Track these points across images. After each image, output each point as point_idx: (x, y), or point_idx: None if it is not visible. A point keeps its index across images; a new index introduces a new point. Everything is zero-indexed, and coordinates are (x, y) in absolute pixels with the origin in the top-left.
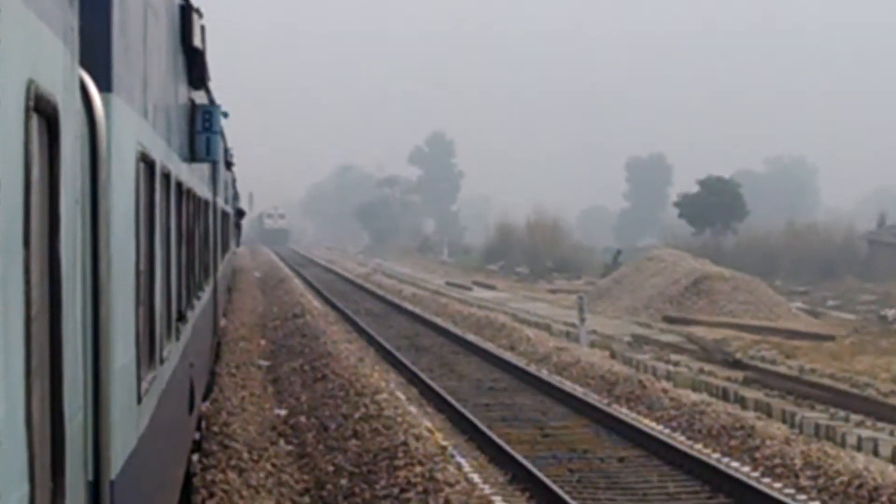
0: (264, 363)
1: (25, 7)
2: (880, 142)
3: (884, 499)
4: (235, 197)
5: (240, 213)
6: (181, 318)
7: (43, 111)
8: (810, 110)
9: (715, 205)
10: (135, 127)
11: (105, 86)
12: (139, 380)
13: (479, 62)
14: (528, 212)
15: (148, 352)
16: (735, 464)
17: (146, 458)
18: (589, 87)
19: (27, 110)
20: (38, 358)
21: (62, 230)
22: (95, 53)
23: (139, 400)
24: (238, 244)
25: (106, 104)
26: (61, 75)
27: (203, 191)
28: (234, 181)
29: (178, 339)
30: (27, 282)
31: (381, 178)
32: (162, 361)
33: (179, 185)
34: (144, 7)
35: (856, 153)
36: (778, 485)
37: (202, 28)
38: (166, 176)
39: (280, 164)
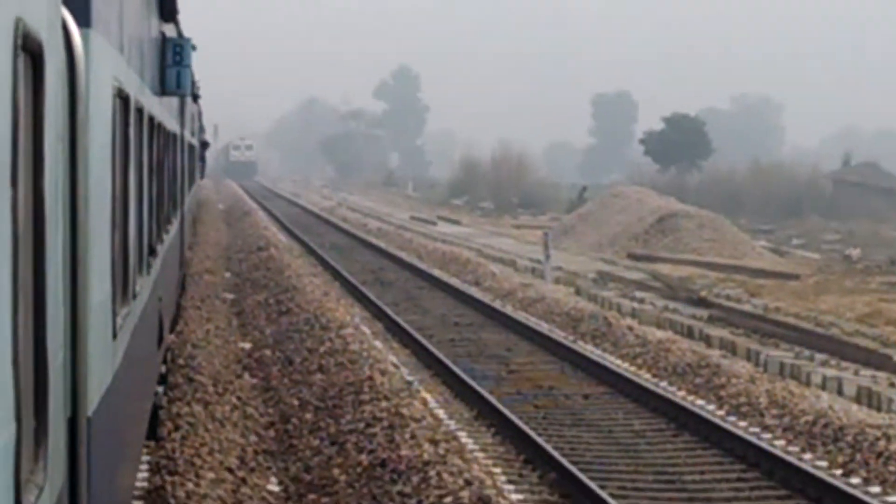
0: (229, 296)
1: None
2: (846, 82)
3: (849, 438)
4: (201, 129)
5: (204, 146)
6: (152, 252)
7: (29, 49)
8: (776, 49)
9: (680, 142)
10: (112, 62)
11: (84, 21)
12: (114, 315)
13: None
14: (493, 147)
15: (122, 287)
16: (700, 402)
17: (120, 394)
18: (556, 23)
19: (15, 49)
20: (24, 296)
21: (46, 169)
22: None
23: (114, 335)
24: (203, 176)
25: (85, 40)
26: (46, 12)
27: (172, 124)
28: (200, 113)
29: (149, 273)
30: (14, 221)
31: (347, 111)
32: (135, 296)
33: (151, 119)
34: None
35: (822, 92)
36: (743, 423)
37: None
38: (139, 111)
39: (245, 97)
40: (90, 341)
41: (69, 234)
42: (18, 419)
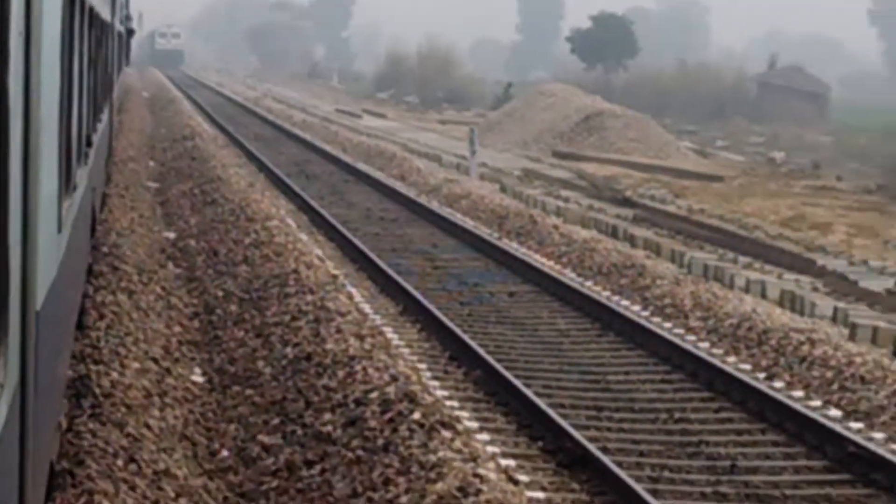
0: (153, 185)
1: None
2: None
3: (773, 342)
4: (128, 17)
5: (130, 33)
6: (89, 143)
7: None
8: None
9: (607, 41)
10: None
11: None
12: (60, 208)
13: None
14: (419, 42)
15: (66, 179)
16: (625, 302)
17: (63, 287)
18: None
19: None
20: None
21: (10, 63)
22: None
23: (59, 229)
24: (128, 64)
25: None
26: None
27: (105, 12)
28: (127, 1)
29: (86, 163)
30: None
31: (273, 1)
32: (75, 188)
33: (90, 9)
34: None
35: None
36: (668, 325)
37: None
38: (81, 2)
39: None
40: (40, 235)
41: (22, 126)
42: None
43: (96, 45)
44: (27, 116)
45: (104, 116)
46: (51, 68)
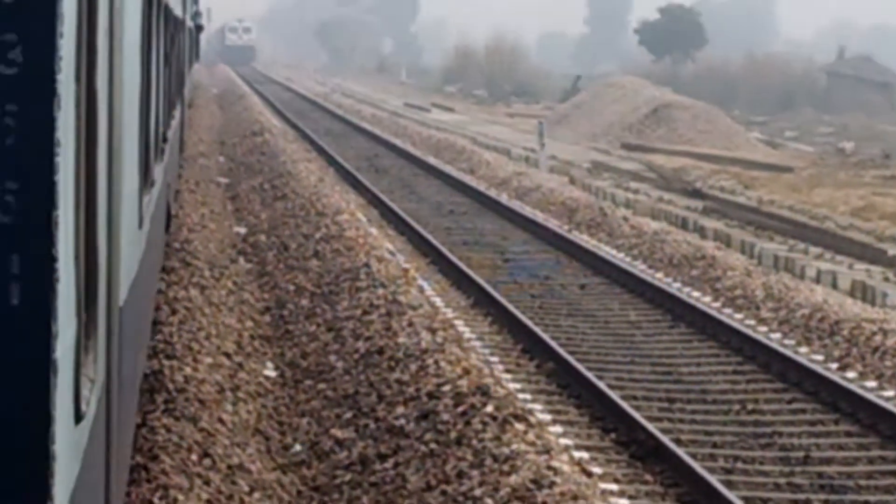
0: (224, 180)
1: None
2: None
3: (845, 332)
4: (197, 13)
5: (199, 29)
6: (165, 139)
7: None
8: None
9: (675, 32)
10: None
11: None
12: (140, 204)
13: None
14: (486, 34)
15: (145, 175)
16: (696, 294)
17: (143, 283)
18: None
19: None
20: (76, 191)
21: (98, 63)
22: None
23: (140, 224)
24: (198, 59)
25: None
26: None
27: (178, 9)
28: None
29: (162, 159)
30: (77, 117)
31: None
32: (153, 184)
33: (165, 6)
34: None
35: None
36: (739, 316)
37: None
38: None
39: None
40: (122, 231)
41: (108, 125)
42: (79, 315)
43: (170, 41)
44: (111, 114)
45: (177, 112)
46: (132, 66)
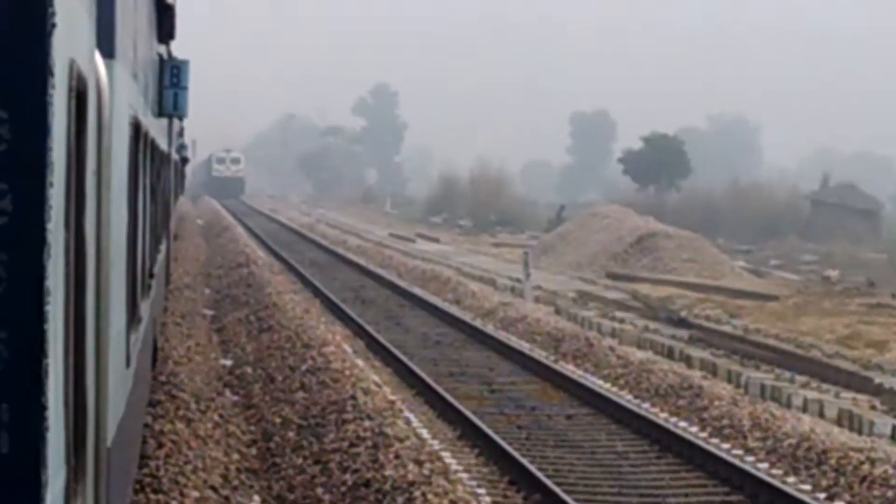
0: (209, 312)
1: None
2: (823, 103)
3: (832, 462)
4: (182, 146)
5: (184, 161)
6: (151, 274)
7: (78, 88)
8: (753, 69)
9: (659, 162)
10: (128, 91)
11: (108, 52)
12: (128, 343)
13: (423, 13)
14: (471, 164)
15: (132, 313)
16: (683, 423)
17: (131, 420)
18: (534, 42)
19: (69, 91)
20: (65, 337)
21: (87, 206)
22: (100, 19)
23: (128, 363)
24: (182, 192)
25: (109, 71)
26: (87, 49)
27: (163, 143)
28: (182, 129)
29: (148, 295)
30: (67, 264)
31: (325, 127)
32: (140, 321)
33: (152, 142)
34: None
35: (798, 113)
36: (726, 445)
37: None
38: (145, 136)
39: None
40: (110, 371)
41: (95, 265)
42: (68, 461)
43: (156, 175)
44: (99, 256)
45: (163, 246)
46: (119, 204)
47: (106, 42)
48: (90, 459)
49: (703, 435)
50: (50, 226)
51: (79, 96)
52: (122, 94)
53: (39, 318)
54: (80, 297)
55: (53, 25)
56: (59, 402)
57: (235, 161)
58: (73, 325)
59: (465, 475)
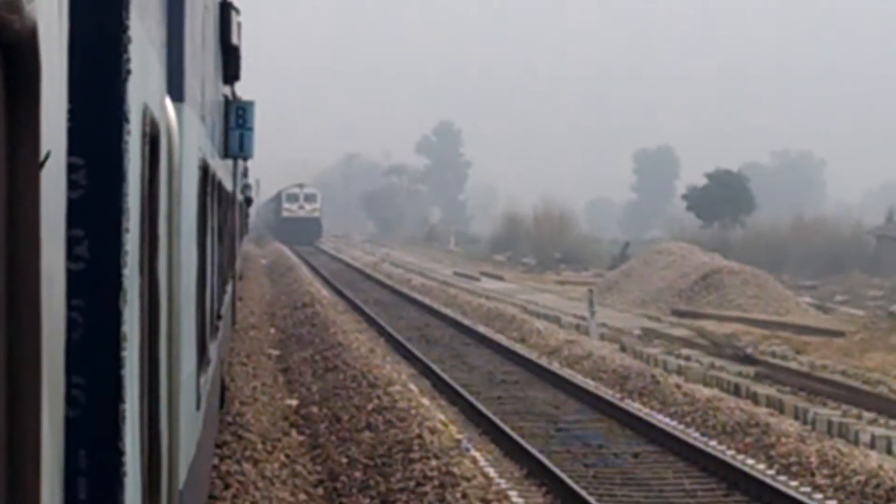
0: (275, 352)
1: (143, 35)
2: (887, 136)
3: None
4: (247, 186)
5: (248, 201)
6: (219, 315)
7: (150, 132)
8: (816, 103)
9: (723, 198)
10: (197, 134)
11: (177, 95)
12: (198, 385)
13: (487, 52)
14: (534, 202)
15: (201, 355)
16: (751, 461)
17: (200, 462)
18: (598, 78)
19: (143, 136)
20: (140, 382)
21: (159, 250)
22: (170, 63)
23: (198, 406)
24: (247, 232)
25: (178, 114)
26: (159, 93)
27: (229, 184)
28: (246, 170)
29: (216, 337)
30: (142, 308)
31: (388, 166)
32: (208, 363)
33: (219, 183)
34: (203, 10)
35: (862, 147)
36: (794, 483)
37: (238, 25)
38: (213, 177)
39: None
40: (182, 414)
41: (167, 309)
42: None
43: (223, 217)
44: (171, 300)
45: (229, 287)
46: (189, 247)
47: (175, 86)
48: (164, 500)
49: (771, 472)
50: (126, 272)
51: (151, 141)
52: (191, 138)
53: (116, 363)
54: (154, 341)
55: (129, 72)
56: (136, 447)
57: (311, 198)
58: (148, 370)
59: None
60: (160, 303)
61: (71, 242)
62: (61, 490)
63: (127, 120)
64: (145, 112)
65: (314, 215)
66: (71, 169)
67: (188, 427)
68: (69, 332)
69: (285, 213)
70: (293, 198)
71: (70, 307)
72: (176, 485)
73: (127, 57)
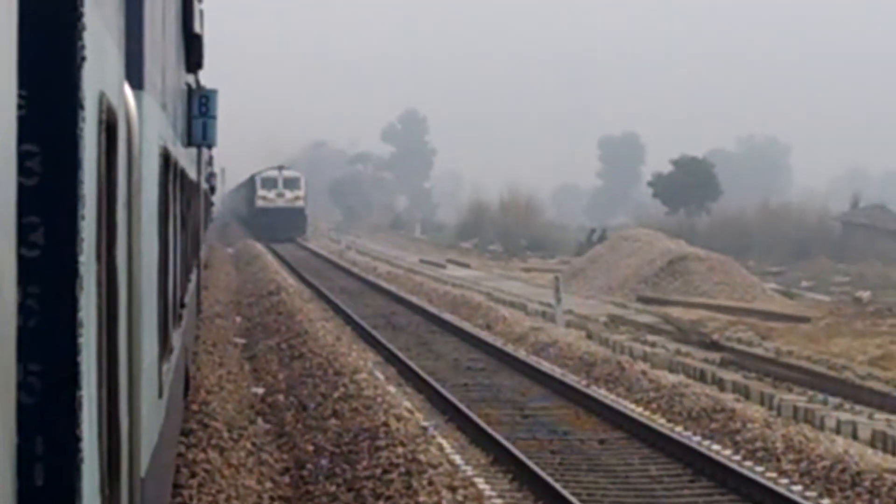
0: (240, 341)
1: (99, 22)
2: (852, 122)
3: (866, 483)
4: (212, 175)
5: (212, 190)
6: (182, 304)
7: (107, 121)
8: (782, 91)
9: (689, 184)
10: (158, 122)
11: (137, 83)
12: (160, 374)
13: (451, 39)
14: (500, 189)
15: (163, 343)
16: (717, 447)
17: (164, 451)
18: (562, 66)
19: (100, 124)
20: (98, 369)
21: (118, 238)
22: (129, 50)
23: (160, 394)
24: (211, 220)
25: (138, 102)
26: (117, 81)
27: (193, 173)
28: (211, 158)
29: (180, 325)
30: (99, 296)
31: (354, 154)
32: (171, 351)
33: (182, 172)
34: None
35: (829, 134)
36: (760, 468)
37: (201, 13)
38: (174, 165)
39: (251, 140)
40: (143, 402)
41: (126, 298)
42: (103, 492)
43: (186, 205)
44: (130, 287)
45: (193, 275)
46: (150, 235)
47: (135, 73)
48: (124, 490)
49: (737, 458)
50: (82, 258)
51: (109, 129)
52: (151, 126)
53: (73, 350)
54: (113, 328)
55: (83, 59)
56: (94, 433)
57: (292, 184)
58: (106, 357)
59: (498, 501)
60: (119, 290)
61: (26, 230)
62: (15, 476)
63: (82, 107)
64: (101, 99)
65: (297, 205)
66: (25, 156)
67: (150, 415)
68: (25, 320)
69: (260, 203)
70: (270, 183)
71: (25, 294)
72: (137, 472)
73: (82, 44)
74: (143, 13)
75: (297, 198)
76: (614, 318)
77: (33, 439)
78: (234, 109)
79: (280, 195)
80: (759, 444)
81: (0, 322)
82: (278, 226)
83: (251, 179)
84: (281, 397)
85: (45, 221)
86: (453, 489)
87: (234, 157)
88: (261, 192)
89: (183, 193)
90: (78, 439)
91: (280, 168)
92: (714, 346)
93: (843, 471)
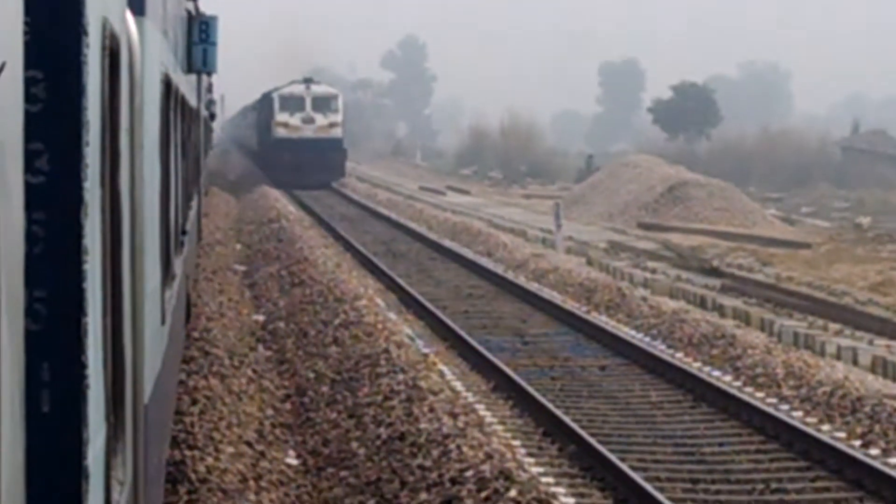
0: (241, 268)
1: None
2: (853, 48)
3: (867, 409)
4: (212, 102)
5: (212, 117)
6: (184, 231)
7: (110, 46)
8: (783, 15)
9: (689, 110)
10: (159, 49)
11: (139, 9)
12: (163, 300)
13: None
14: (500, 116)
15: (166, 270)
16: (717, 373)
17: (166, 377)
18: None
19: (103, 49)
20: (102, 296)
21: (121, 164)
22: None
23: (163, 320)
24: (211, 147)
25: (139, 28)
26: (119, 7)
27: (193, 99)
28: (211, 85)
29: (181, 252)
30: (103, 221)
31: (354, 81)
32: (173, 278)
33: (182, 98)
34: None
35: (829, 59)
36: (761, 394)
37: None
38: (176, 92)
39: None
40: (146, 329)
41: (129, 224)
42: (108, 418)
43: (187, 132)
44: (134, 214)
45: (194, 203)
46: (152, 162)
47: (137, 0)
48: (129, 417)
49: (737, 384)
50: (86, 184)
51: (112, 54)
52: (153, 52)
53: (78, 276)
54: (117, 255)
55: None
56: (98, 360)
57: (325, 104)
58: (111, 284)
59: (499, 427)
60: (122, 216)
61: (31, 156)
62: (22, 402)
63: (86, 33)
64: (105, 25)
65: (333, 134)
66: (30, 82)
67: (153, 342)
68: (30, 246)
69: (280, 132)
70: (293, 103)
71: (31, 221)
72: (141, 399)
73: None
74: None
75: (332, 124)
76: (614, 244)
77: (40, 365)
78: (235, 37)
79: (308, 120)
80: (759, 370)
81: (8, 248)
82: (306, 165)
83: (266, 98)
84: (281, 324)
85: (50, 148)
86: (454, 416)
87: (233, 85)
88: (280, 116)
89: (184, 120)
90: (84, 366)
91: (307, 82)
92: (714, 272)
93: (843, 397)
